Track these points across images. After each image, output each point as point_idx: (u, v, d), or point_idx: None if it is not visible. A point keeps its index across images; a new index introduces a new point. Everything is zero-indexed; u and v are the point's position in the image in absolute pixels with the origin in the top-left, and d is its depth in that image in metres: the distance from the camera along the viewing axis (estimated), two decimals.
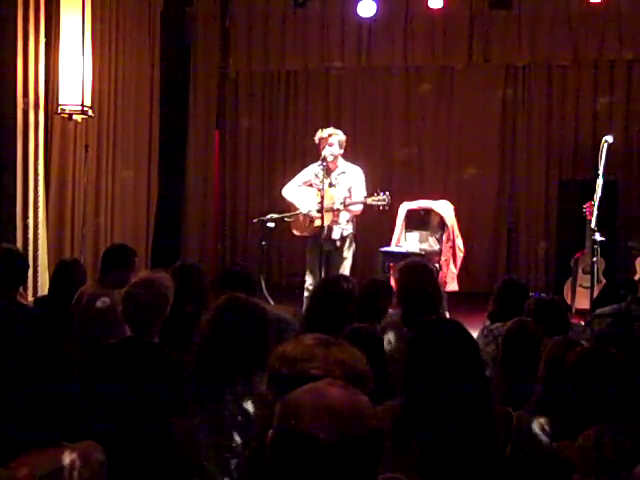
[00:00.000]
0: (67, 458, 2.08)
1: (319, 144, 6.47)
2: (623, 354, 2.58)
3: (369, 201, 6.39)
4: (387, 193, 6.39)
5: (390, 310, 4.37)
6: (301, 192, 6.61)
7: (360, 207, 6.49)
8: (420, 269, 3.98)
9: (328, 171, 6.42)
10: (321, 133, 6.49)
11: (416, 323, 2.50)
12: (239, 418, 2.48)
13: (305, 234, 6.63)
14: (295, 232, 6.73)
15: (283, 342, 2.10)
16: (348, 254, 6.51)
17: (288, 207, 6.74)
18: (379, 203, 6.37)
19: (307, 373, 1.78)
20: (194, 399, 2.59)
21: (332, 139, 6.41)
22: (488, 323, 4.10)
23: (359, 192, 6.46)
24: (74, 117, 6.56)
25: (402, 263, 4.23)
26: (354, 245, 6.61)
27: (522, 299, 4.06)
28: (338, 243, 6.44)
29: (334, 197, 6.37)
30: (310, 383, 1.45)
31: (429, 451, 2.13)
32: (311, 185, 6.58)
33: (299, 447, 1.29)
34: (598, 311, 4.19)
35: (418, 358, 2.29)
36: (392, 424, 2.23)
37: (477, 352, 2.40)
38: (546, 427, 2.54)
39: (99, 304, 3.19)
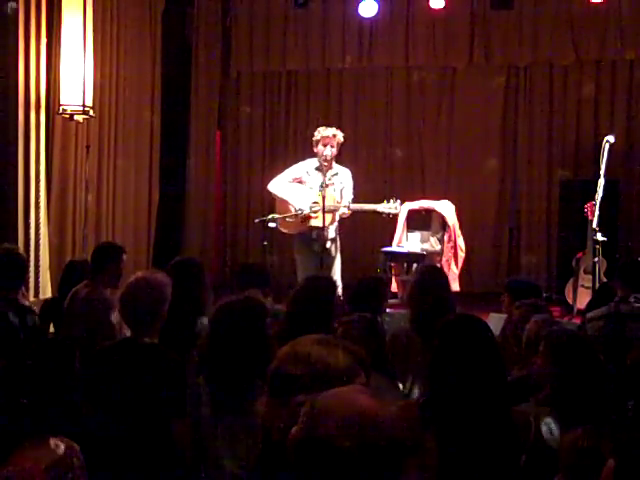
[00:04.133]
0: (62, 448, 2.13)
1: (318, 141, 6.35)
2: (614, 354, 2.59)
3: (380, 208, 6.25)
4: (398, 201, 6.28)
5: (389, 310, 4.38)
6: (292, 189, 6.47)
7: (349, 211, 6.41)
8: (437, 274, 4.01)
9: (324, 171, 6.38)
10: (325, 132, 6.36)
11: (445, 320, 2.52)
12: (252, 423, 2.49)
13: (293, 232, 6.55)
14: (282, 229, 6.61)
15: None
16: (337, 254, 6.45)
17: (275, 203, 6.64)
18: (390, 211, 6.26)
19: (287, 372, 1.79)
20: (213, 405, 2.60)
21: (335, 140, 6.33)
22: None
23: (348, 195, 6.39)
24: (75, 117, 6.57)
25: (420, 265, 4.27)
26: (340, 244, 6.53)
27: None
28: (329, 243, 6.36)
29: (335, 198, 6.32)
30: (340, 388, 1.46)
31: (445, 450, 2.13)
32: (300, 182, 6.49)
33: (321, 452, 1.30)
34: (589, 315, 4.20)
35: (447, 355, 2.32)
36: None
37: (499, 352, 2.42)
38: (553, 427, 2.53)
39: None
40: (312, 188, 6.33)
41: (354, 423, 1.29)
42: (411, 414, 1.35)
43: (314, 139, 6.39)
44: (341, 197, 6.34)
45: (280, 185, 6.53)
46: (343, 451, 1.27)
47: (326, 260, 6.25)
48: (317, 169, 6.32)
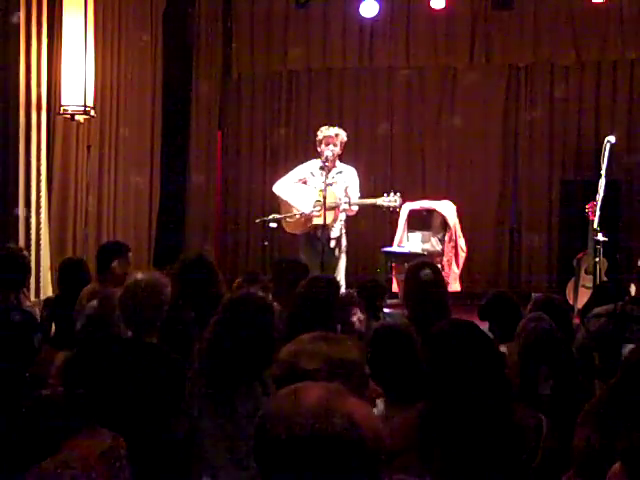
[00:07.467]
0: (110, 439, 2.23)
1: (321, 141, 6.38)
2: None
3: (379, 202, 6.27)
4: (398, 194, 6.30)
5: (389, 310, 4.38)
6: (296, 190, 6.50)
7: (357, 208, 6.42)
8: (427, 269, 4.00)
9: (327, 170, 6.39)
10: (327, 131, 6.38)
11: (433, 327, 2.47)
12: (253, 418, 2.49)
13: (297, 232, 6.55)
14: (288, 229, 6.63)
15: None
16: (342, 254, 6.45)
17: (279, 204, 6.66)
18: (390, 204, 6.26)
19: (298, 368, 1.79)
20: (204, 401, 2.59)
21: (338, 139, 6.35)
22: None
23: (354, 193, 6.40)
24: (76, 117, 6.57)
25: (410, 264, 4.26)
26: (346, 244, 6.53)
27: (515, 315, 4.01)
28: (333, 243, 6.36)
29: (336, 195, 6.32)
30: (311, 382, 1.45)
31: (451, 460, 2.11)
32: (305, 182, 6.50)
33: (259, 437, 1.31)
34: (594, 311, 4.16)
35: (438, 363, 2.27)
36: (414, 431, 2.21)
37: (496, 353, 2.39)
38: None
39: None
40: (316, 188, 6.34)
41: (283, 412, 1.28)
42: (364, 416, 1.28)
43: (317, 139, 6.42)
44: (346, 196, 6.35)
45: (285, 187, 6.55)
46: (273, 437, 1.27)
47: (329, 260, 6.24)
48: (321, 169, 6.32)
